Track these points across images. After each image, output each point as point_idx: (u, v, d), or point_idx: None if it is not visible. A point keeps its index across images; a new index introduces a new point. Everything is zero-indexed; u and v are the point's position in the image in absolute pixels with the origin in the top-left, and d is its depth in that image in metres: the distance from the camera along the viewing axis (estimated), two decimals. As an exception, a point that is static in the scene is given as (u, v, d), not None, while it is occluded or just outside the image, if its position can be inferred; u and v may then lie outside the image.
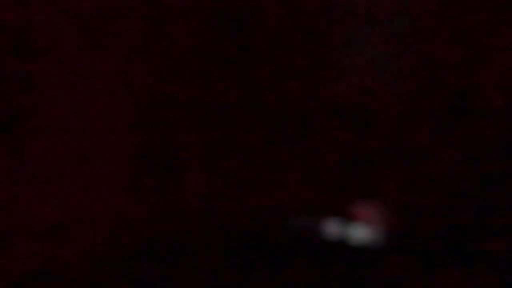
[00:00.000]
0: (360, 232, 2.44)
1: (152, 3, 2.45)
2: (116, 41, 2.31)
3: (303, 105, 2.69)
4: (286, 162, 2.67)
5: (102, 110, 2.24)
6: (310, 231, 2.45)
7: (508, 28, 2.44)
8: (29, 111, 2.07)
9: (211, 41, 2.66)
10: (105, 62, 2.25)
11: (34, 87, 2.09)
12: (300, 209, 2.58)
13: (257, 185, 2.65)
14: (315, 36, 2.73)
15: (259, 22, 2.69)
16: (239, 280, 2.31)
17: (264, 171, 2.66)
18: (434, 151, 2.64)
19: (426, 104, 2.66)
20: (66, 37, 2.10)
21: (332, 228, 2.47)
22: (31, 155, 2.11)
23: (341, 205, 2.53)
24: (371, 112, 2.70)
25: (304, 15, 2.70)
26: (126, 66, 2.34)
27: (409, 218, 2.49)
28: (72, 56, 2.11)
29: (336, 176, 2.60)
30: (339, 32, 2.73)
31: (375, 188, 2.57)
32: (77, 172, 2.23)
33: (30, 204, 2.07)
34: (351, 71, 2.82)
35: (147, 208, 2.43)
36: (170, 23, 2.51)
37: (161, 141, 2.50)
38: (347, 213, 2.49)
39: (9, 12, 2.03)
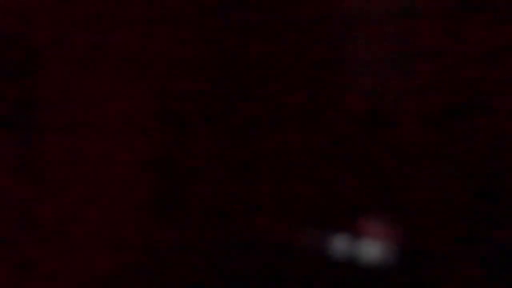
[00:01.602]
0: (370, 249, 2.46)
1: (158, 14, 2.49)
2: (126, 47, 2.33)
3: (312, 118, 2.73)
4: (295, 177, 2.70)
5: (114, 117, 2.27)
6: (319, 248, 2.48)
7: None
8: (38, 116, 2.10)
9: (220, 53, 2.70)
10: (116, 73, 2.28)
11: (42, 94, 2.12)
12: (309, 226, 2.61)
13: (268, 201, 2.68)
14: (324, 43, 2.77)
15: (266, 34, 2.74)
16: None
17: (275, 188, 2.69)
18: (445, 166, 2.67)
19: (436, 116, 2.70)
20: (73, 45, 2.13)
21: (341, 245, 2.50)
22: (40, 160, 2.14)
23: (351, 221, 2.56)
24: (383, 124, 2.74)
25: (313, 20, 2.75)
26: (138, 75, 2.37)
27: (418, 235, 2.52)
28: (79, 68, 2.15)
29: (346, 192, 2.63)
30: (349, 37, 2.78)
31: (385, 204, 2.60)
32: (89, 180, 2.26)
33: (40, 208, 2.10)
34: (361, 78, 2.85)
35: (159, 221, 2.45)
36: (176, 34, 2.54)
37: (175, 153, 2.53)
38: (356, 229, 2.52)
39: (18, 19, 2.06)
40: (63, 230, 2.13)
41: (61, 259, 2.14)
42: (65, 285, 2.10)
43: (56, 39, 2.13)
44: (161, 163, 2.47)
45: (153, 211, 2.40)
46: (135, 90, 2.35)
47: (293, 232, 2.56)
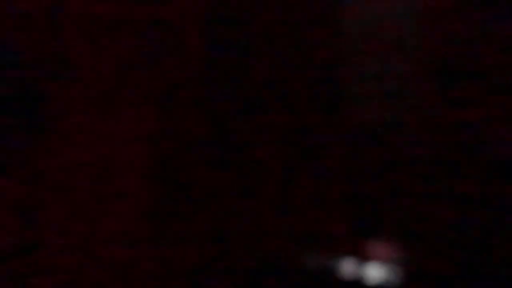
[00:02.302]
0: (375, 271, 2.43)
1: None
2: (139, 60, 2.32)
3: (318, 138, 2.70)
4: (302, 199, 2.67)
5: (121, 129, 2.26)
6: (325, 270, 2.44)
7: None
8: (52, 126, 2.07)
9: (229, 74, 2.67)
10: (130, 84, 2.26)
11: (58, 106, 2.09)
12: (315, 247, 2.58)
13: (272, 224, 2.64)
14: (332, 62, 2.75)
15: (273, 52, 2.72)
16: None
17: (279, 208, 2.66)
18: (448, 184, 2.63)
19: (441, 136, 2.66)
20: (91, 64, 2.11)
21: (347, 267, 2.47)
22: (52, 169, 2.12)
23: (356, 243, 2.52)
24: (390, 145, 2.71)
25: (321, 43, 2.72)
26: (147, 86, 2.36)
27: (423, 257, 2.48)
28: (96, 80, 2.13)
29: (352, 213, 2.60)
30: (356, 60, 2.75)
31: (390, 227, 2.57)
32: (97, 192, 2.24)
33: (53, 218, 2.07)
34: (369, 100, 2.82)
35: (161, 233, 2.44)
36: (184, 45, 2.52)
37: (176, 169, 2.52)
38: (362, 252, 2.48)
39: (43, 35, 2.04)
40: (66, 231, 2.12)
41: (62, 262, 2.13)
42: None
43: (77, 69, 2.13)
44: (163, 172, 2.47)
45: (153, 221, 2.40)
46: (137, 105, 2.34)
47: (300, 254, 2.53)
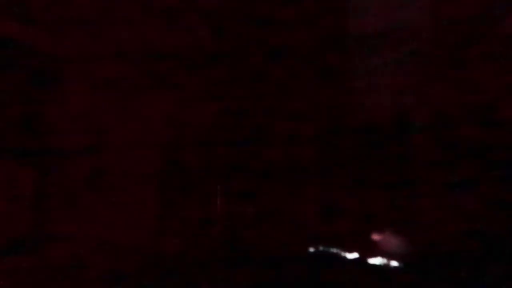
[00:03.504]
0: (381, 259, 2.46)
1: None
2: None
3: (323, 135, 2.71)
4: (307, 190, 2.69)
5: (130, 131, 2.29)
6: (331, 258, 2.47)
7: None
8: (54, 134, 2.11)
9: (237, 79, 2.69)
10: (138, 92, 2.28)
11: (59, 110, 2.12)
12: (320, 237, 2.60)
13: (279, 213, 2.67)
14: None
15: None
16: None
17: (286, 200, 2.69)
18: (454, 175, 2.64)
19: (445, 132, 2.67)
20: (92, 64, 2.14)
21: (353, 255, 2.49)
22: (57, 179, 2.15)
23: (362, 233, 2.55)
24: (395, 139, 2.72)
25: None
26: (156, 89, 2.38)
27: (430, 243, 2.50)
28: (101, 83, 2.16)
29: (357, 203, 2.62)
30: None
31: (395, 214, 2.59)
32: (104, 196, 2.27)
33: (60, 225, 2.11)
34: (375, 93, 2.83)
35: (173, 233, 2.46)
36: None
37: (187, 166, 2.54)
38: (368, 240, 2.51)
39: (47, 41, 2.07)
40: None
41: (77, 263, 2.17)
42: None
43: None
44: (173, 182, 2.49)
45: (162, 220, 2.42)
46: (147, 111, 2.37)
47: (306, 245, 2.55)
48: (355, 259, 2.43)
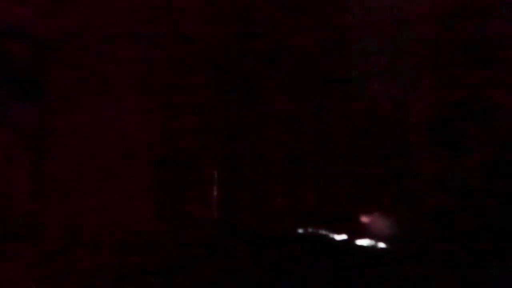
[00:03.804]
0: (369, 240, 2.57)
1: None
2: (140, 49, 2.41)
3: (320, 122, 2.82)
4: (302, 173, 2.81)
5: (123, 119, 2.37)
6: (321, 238, 2.59)
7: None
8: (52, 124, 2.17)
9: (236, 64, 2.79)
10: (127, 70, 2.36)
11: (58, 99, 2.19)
12: (313, 217, 2.72)
13: (274, 195, 2.79)
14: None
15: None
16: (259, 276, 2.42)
17: (280, 182, 2.80)
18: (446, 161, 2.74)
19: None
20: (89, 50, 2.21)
21: (342, 235, 2.61)
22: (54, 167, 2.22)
23: (351, 213, 2.66)
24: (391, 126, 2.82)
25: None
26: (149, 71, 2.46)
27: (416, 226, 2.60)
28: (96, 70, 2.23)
29: (348, 185, 2.73)
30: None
31: (384, 197, 2.70)
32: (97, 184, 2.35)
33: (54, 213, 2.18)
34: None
35: (166, 217, 2.54)
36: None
37: (181, 152, 2.63)
38: (356, 221, 2.63)
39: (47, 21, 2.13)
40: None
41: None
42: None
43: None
44: (166, 168, 2.57)
45: (156, 207, 2.50)
46: (142, 99, 2.46)
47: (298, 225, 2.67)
48: (344, 240, 2.56)
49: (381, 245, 2.52)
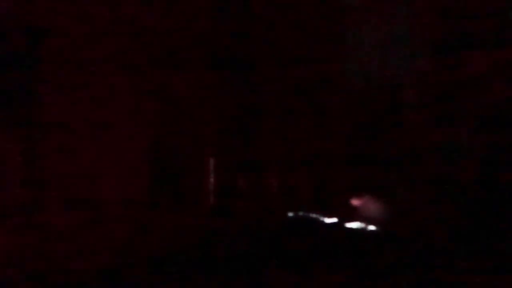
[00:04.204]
0: (360, 224, 2.60)
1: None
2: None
3: (306, 106, 2.85)
4: (294, 158, 2.84)
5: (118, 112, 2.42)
6: (312, 222, 2.63)
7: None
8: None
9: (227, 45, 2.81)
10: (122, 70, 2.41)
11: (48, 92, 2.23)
12: (304, 202, 2.75)
13: (267, 182, 2.84)
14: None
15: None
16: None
17: (273, 169, 2.85)
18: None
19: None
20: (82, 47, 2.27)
21: (334, 219, 2.65)
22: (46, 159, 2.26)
23: (343, 198, 2.69)
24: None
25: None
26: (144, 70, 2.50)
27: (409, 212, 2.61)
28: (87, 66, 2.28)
29: (339, 169, 2.75)
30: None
31: (375, 182, 2.72)
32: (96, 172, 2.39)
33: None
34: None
35: (162, 215, 2.57)
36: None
37: (175, 146, 2.67)
38: (348, 205, 2.66)
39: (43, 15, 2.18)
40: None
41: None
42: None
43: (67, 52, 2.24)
44: (160, 153, 2.60)
45: (151, 199, 2.53)
46: (136, 86, 2.51)
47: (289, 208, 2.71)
48: (335, 223, 2.59)
49: (373, 227, 2.55)
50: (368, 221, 2.58)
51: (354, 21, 2.91)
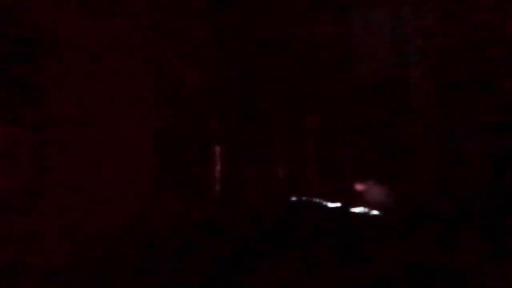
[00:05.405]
0: (363, 209, 2.58)
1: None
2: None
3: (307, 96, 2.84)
4: (300, 147, 2.84)
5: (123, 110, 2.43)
6: (314, 208, 2.62)
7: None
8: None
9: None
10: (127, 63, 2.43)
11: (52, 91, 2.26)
12: (308, 188, 2.75)
13: (276, 169, 2.83)
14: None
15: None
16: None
17: (283, 156, 2.84)
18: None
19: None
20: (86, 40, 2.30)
21: (337, 205, 2.63)
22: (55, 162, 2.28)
23: (346, 184, 2.67)
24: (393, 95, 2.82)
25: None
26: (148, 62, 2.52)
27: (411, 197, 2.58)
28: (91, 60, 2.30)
29: (344, 157, 2.74)
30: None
31: (380, 168, 2.69)
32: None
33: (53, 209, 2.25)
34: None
35: (167, 205, 2.58)
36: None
37: (183, 128, 2.68)
38: (351, 191, 2.64)
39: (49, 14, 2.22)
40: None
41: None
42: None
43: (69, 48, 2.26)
44: (167, 141, 2.61)
45: (158, 186, 2.54)
46: (140, 75, 2.53)
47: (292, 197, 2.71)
48: (338, 207, 2.56)
49: (376, 212, 2.52)
50: (373, 206, 2.55)
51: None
